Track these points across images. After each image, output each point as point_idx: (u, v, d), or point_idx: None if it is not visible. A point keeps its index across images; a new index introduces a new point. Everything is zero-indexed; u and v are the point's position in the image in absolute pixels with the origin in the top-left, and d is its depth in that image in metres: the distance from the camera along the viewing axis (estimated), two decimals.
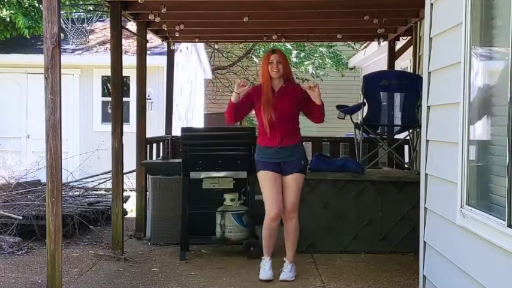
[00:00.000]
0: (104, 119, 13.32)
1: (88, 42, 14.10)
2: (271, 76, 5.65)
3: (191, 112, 16.63)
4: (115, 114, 6.63)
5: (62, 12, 11.68)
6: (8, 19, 12.61)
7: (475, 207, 3.59)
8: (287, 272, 5.72)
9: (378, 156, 8.48)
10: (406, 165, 8.22)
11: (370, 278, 5.80)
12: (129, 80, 12.87)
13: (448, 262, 4.02)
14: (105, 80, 13.39)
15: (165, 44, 9.88)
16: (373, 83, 7.60)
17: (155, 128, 10.64)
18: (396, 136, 8.02)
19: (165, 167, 7.58)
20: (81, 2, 14.92)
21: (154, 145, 8.87)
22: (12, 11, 12.51)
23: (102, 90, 13.71)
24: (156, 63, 11.64)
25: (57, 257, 4.78)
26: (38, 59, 10.33)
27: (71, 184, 9.40)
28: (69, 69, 12.49)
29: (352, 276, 5.84)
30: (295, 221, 5.75)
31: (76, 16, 14.37)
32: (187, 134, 6.81)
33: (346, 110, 8.13)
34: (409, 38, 9.18)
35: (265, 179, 5.64)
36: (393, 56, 9.60)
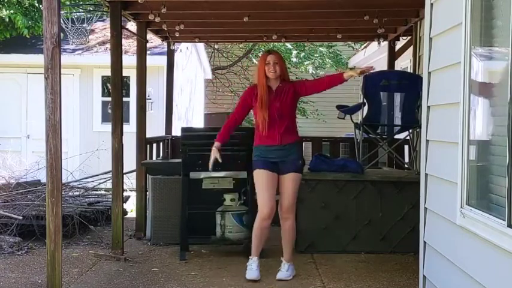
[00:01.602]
0: (104, 119, 13.32)
1: (88, 42, 14.09)
2: (268, 77, 5.66)
3: (191, 112, 16.63)
4: (115, 114, 6.63)
5: (62, 12, 11.68)
6: (8, 19, 12.61)
7: (475, 207, 3.59)
8: (284, 272, 5.72)
9: (378, 156, 8.48)
10: (406, 165, 8.22)
11: (370, 278, 5.80)
12: (129, 80, 12.87)
13: (448, 262, 4.02)
14: (105, 80, 13.39)
15: (165, 44, 9.89)
16: (373, 83, 7.59)
17: (155, 128, 10.63)
18: (396, 136, 8.03)
19: (165, 167, 7.58)
20: (81, 2, 14.92)
21: (154, 145, 8.87)
22: (12, 11, 12.52)
23: (102, 90, 13.71)
24: (156, 63, 11.64)
25: (57, 257, 4.79)
26: (38, 59, 10.34)
27: (71, 184, 9.40)
28: (69, 69, 12.49)
29: (352, 276, 5.84)
30: (292, 220, 5.75)
31: (76, 16, 14.36)
32: (187, 134, 6.81)
33: (346, 110, 8.13)
34: (409, 38, 9.19)
35: (260, 177, 5.63)
36: (393, 56, 9.60)
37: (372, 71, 5.89)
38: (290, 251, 5.81)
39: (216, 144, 5.77)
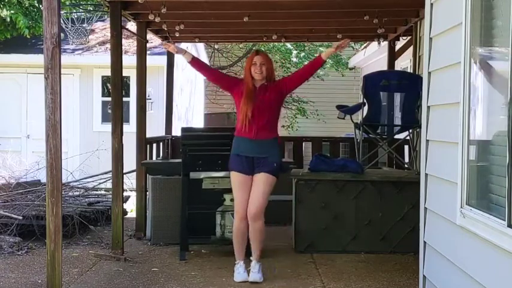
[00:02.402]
0: (104, 119, 13.32)
1: (88, 42, 14.10)
2: (253, 77, 5.65)
3: (191, 112, 16.63)
4: (115, 114, 6.63)
5: (62, 12, 11.67)
6: (9, 19, 12.61)
7: (475, 207, 3.59)
8: (256, 273, 5.62)
9: (378, 156, 8.48)
10: (406, 165, 8.22)
11: (370, 278, 5.79)
12: (129, 80, 12.88)
13: (448, 262, 4.02)
14: (105, 80, 13.39)
15: None
16: (373, 83, 7.60)
17: (155, 128, 10.63)
18: (396, 136, 8.03)
19: (165, 167, 7.58)
20: (81, 2, 14.92)
21: (154, 145, 8.87)
22: (13, 11, 12.52)
23: (102, 90, 13.71)
24: (156, 63, 11.64)
25: (57, 257, 4.78)
26: (38, 59, 10.33)
27: (71, 184, 9.40)
28: (69, 69, 12.49)
29: (352, 276, 5.84)
30: (260, 222, 5.60)
31: (76, 16, 14.36)
32: (187, 134, 6.81)
33: (346, 110, 8.14)
34: (409, 38, 9.18)
35: (235, 180, 5.63)
36: (393, 56, 9.60)
37: (347, 44, 5.78)
38: (259, 250, 5.66)
39: (188, 53, 5.85)
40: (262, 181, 5.56)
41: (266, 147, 5.61)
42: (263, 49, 17.74)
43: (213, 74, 6.18)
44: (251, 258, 5.69)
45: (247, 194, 5.58)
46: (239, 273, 5.66)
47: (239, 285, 5.58)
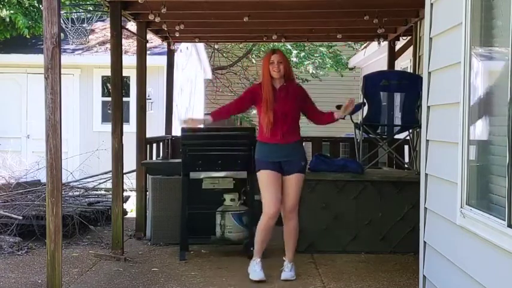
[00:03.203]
0: (104, 119, 13.31)
1: (88, 42, 14.09)
2: (272, 76, 5.66)
3: (191, 112, 16.61)
4: (115, 114, 6.63)
5: (62, 12, 11.67)
6: (8, 19, 12.61)
7: (475, 207, 3.59)
8: (288, 272, 5.74)
9: (378, 156, 8.47)
10: (406, 165, 8.22)
11: (370, 278, 5.80)
12: (129, 80, 12.87)
13: (448, 262, 4.02)
14: (105, 80, 13.39)
15: (165, 44, 9.89)
16: (373, 83, 7.60)
17: (155, 128, 10.63)
18: (396, 136, 8.02)
19: (165, 167, 7.58)
20: (81, 2, 14.92)
21: (154, 145, 8.87)
22: (12, 11, 12.52)
23: (102, 90, 13.71)
24: (156, 63, 11.63)
25: (57, 257, 4.79)
26: (38, 59, 10.33)
27: (71, 184, 9.40)
28: (69, 69, 12.48)
29: (352, 277, 5.84)
30: (295, 221, 5.78)
31: (76, 16, 14.36)
32: (187, 134, 6.81)
33: None
34: (409, 38, 9.18)
35: (265, 178, 5.64)
36: (393, 56, 9.59)
37: (352, 104, 5.89)
38: (293, 251, 5.82)
39: (206, 116, 5.82)
40: (294, 181, 5.67)
41: (292, 150, 5.68)
42: (263, 49, 17.79)
43: (238, 108, 6.03)
44: (284, 258, 5.77)
45: (278, 192, 5.63)
46: (255, 271, 5.69)
47: (240, 285, 5.59)
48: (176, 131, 9.32)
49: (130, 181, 9.37)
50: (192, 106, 16.75)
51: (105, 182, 10.04)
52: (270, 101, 5.60)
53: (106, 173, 9.92)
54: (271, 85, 5.66)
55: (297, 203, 5.77)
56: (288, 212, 5.72)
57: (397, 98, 7.62)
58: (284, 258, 5.79)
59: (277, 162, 5.64)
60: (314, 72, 18.38)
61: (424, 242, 4.62)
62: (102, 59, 12.71)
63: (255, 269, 5.70)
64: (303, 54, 18.24)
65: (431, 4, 4.56)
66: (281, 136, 5.62)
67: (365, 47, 14.51)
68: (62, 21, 12.67)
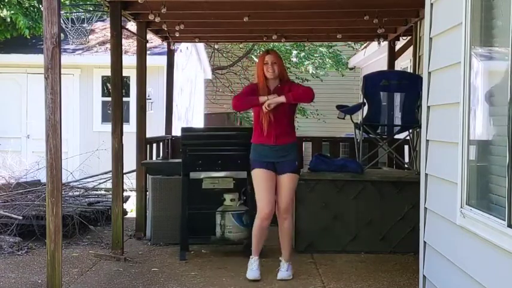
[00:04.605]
0: (104, 119, 13.32)
1: (88, 42, 14.09)
2: (266, 77, 5.66)
3: (191, 112, 16.62)
4: (115, 114, 6.63)
5: (62, 12, 11.67)
6: (9, 19, 12.61)
7: (475, 207, 3.59)
8: (284, 271, 5.75)
9: (378, 156, 8.48)
10: (406, 165, 8.22)
11: (370, 278, 5.80)
12: (129, 80, 12.87)
13: (448, 262, 4.02)
14: (105, 80, 13.39)
15: (165, 44, 9.89)
16: (373, 83, 7.59)
17: (155, 128, 10.63)
18: (396, 136, 8.03)
19: (165, 167, 7.58)
20: (81, 2, 14.92)
21: (154, 145, 8.87)
22: (13, 11, 12.52)
23: (102, 90, 13.71)
24: (156, 63, 11.64)
25: (57, 257, 4.79)
26: (38, 59, 10.33)
27: (71, 184, 9.40)
28: (69, 69, 12.49)
29: (352, 276, 5.84)
30: (290, 221, 5.80)
31: (76, 16, 14.37)
32: (187, 134, 6.81)
33: (346, 110, 8.13)
34: (409, 38, 9.18)
35: (259, 177, 5.65)
36: (393, 56, 9.59)
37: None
38: (289, 250, 5.83)
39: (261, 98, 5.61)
40: (288, 181, 5.67)
41: (285, 151, 5.67)
42: (263, 49, 17.79)
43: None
44: (280, 258, 5.79)
45: (271, 193, 5.64)
46: (252, 269, 5.71)
47: (240, 285, 5.59)
48: (176, 131, 9.32)
49: (130, 181, 9.37)
50: (192, 106, 16.75)
51: (105, 182, 10.04)
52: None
53: (106, 173, 9.92)
54: (266, 86, 5.66)
55: (291, 203, 5.78)
56: (282, 212, 5.72)
57: (397, 98, 7.62)
58: (280, 258, 5.80)
59: (270, 162, 5.64)
60: (314, 72, 18.38)
61: (424, 242, 4.62)
62: (102, 59, 12.72)
63: (252, 268, 5.72)
64: (302, 54, 18.25)
65: (431, 4, 4.56)
66: (274, 138, 5.62)
67: (365, 47, 14.51)
68: (62, 21, 12.67)
